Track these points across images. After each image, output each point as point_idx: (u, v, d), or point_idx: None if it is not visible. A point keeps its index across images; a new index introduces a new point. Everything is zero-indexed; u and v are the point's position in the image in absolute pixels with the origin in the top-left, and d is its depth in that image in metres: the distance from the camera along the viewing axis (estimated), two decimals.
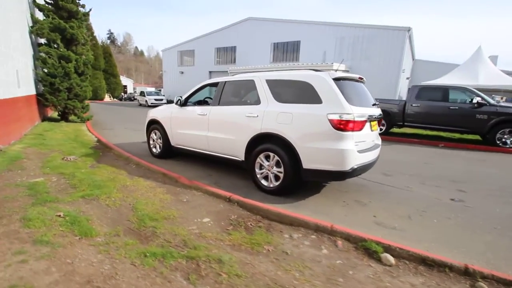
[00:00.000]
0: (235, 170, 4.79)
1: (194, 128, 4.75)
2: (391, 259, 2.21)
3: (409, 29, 15.77)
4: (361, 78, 3.92)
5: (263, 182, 3.83)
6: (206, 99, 5.56)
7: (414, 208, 3.46)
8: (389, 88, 15.85)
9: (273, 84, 3.83)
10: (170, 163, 5.23)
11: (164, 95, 26.11)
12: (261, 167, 3.86)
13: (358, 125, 3.27)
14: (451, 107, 8.20)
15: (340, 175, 3.29)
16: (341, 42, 17.95)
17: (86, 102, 10.27)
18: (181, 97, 4.99)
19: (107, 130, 9.15)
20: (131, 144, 6.89)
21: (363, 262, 2.22)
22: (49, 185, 3.58)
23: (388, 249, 2.29)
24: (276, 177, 3.70)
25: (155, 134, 5.63)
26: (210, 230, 2.62)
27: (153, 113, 5.74)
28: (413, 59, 21.27)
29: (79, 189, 3.43)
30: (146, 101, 24.30)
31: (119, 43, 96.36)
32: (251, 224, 2.78)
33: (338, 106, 3.21)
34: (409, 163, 5.98)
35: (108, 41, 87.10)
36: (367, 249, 2.34)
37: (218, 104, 4.43)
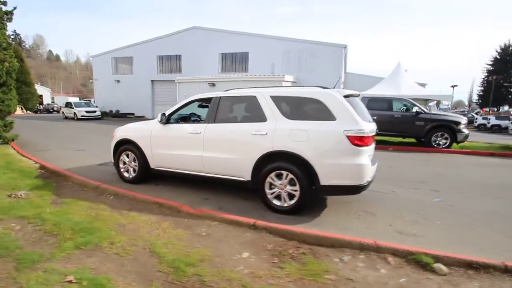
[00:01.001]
0: (232, 192, 4.47)
1: (183, 148, 4.28)
2: (444, 268, 2.34)
3: (345, 46, 17.78)
4: (358, 95, 4.17)
5: (275, 202, 3.67)
6: (191, 116, 5.12)
7: (414, 212, 3.79)
8: None
9: (279, 101, 3.74)
10: (150, 188, 4.58)
11: (97, 107, 23.16)
12: (271, 186, 3.69)
13: (369, 140, 3.44)
14: (395, 115, 9.47)
15: (357, 189, 3.38)
16: (287, 55, 19.03)
17: (8, 118, 8.31)
18: (164, 114, 4.45)
19: (43, 152, 7.56)
20: (86, 169, 5.82)
21: (422, 276, 2.29)
22: (15, 236, 2.69)
23: (437, 259, 2.42)
24: (290, 196, 3.59)
25: (127, 156, 4.87)
26: (259, 267, 2.34)
27: (123, 132, 4.98)
28: (345, 72, 23.96)
29: (63, 238, 2.67)
30: (75, 113, 21.11)
31: (27, 46, 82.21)
32: (293, 253, 2.60)
33: (353, 123, 3.32)
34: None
35: (13, 43, 73.43)
36: (418, 262, 2.43)
37: (214, 122, 4.10)
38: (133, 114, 24.43)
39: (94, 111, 21.79)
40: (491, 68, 47.98)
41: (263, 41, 19.77)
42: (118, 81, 24.99)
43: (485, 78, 50.31)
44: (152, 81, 24.02)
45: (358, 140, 3.27)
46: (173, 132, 4.42)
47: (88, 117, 21.01)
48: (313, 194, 3.52)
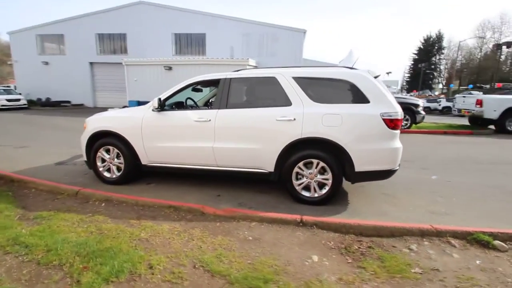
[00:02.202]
0: (244, 185, 4.04)
1: (188, 139, 3.64)
2: (504, 245, 2.40)
3: (305, 31, 17.93)
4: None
5: (304, 193, 3.39)
6: (188, 101, 4.39)
7: (426, 191, 3.93)
8: None
9: (303, 82, 3.38)
10: (144, 189, 3.86)
11: (20, 94, 19.24)
12: (297, 176, 3.39)
13: (401, 123, 3.37)
14: None
15: (390, 173, 3.31)
16: (247, 38, 18.35)
17: None
18: (159, 99, 3.68)
19: None
20: (43, 170, 4.66)
21: (491, 255, 2.31)
22: None
23: (493, 236, 2.48)
24: (320, 186, 3.35)
25: (108, 152, 3.98)
26: (342, 271, 2.05)
27: (100, 123, 4.03)
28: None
29: (74, 269, 1.93)
30: None
31: None
32: (360, 248, 2.38)
33: (388, 106, 3.18)
34: None
35: None
36: (479, 241, 2.45)
37: (226, 107, 3.55)
38: (69, 102, 21.03)
39: (18, 99, 18.03)
40: (416, 57, 54.79)
41: (221, 22, 18.67)
42: (47, 63, 21.03)
43: (411, 66, 57.30)
44: (91, 63, 20.85)
45: (394, 123, 3.16)
46: (172, 120, 3.72)
47: (10, 106, 17.29)
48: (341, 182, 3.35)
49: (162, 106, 3.71)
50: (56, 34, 20.89)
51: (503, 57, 41.85)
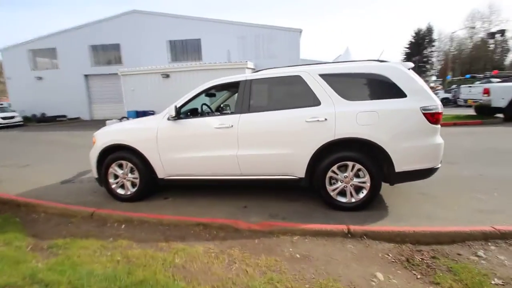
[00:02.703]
0: (271, 192, 3.78)
1: (209, 148, 3.37)
2: None
3: (301, 31, 17.80)
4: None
5: (340, 199, 3.13)
6: (204, 107, 4.13)
7: (462, 187, 3.70)
8: None
9: (331, 79, 3.14)
10: (161, 205, 3.59)
11: (15, 111, 18.81)
12: (331, 181, 3.14)
13: (441, 117, 3.12)
14: None
15: (432, 172, 3.06)
16: (243, 41, 18.16)
17: None
18: (176, 106, 3.41)
19: None
20: (50, 190, 4.35)
21: None
22: None
23: None
24: (356, 190, 3.10)
25: (121, 167, 3.70)
26: None
27: (110, 136, 3.75)
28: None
29: None
30: None
31: None
32: (423, 259, 2.12)
33: (428, 98, 2.94)
34: None
35: None
36: None
37: (249, 111, 3.29)
38: (64, 116, 20.61)
39: (13, 117, 17.62)
40: (409, 51, 55.13)
41: (215, 26, 18.46)
42: (40, 78, 20.62)
43: (404, 60, 57.52)
44: (86, 75, 20.49)
45: (435, 118, 2.92)
46: (190, 129, 3.45)
47: (5, 124, 16.87)
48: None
49: (177, 114, 3.43)
50: (48, 48, 20.51)
51: (492, 46, 42.30)
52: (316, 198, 3.48)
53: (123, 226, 2.93)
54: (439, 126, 2.98)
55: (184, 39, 19.05)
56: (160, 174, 3.61)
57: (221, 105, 4.90)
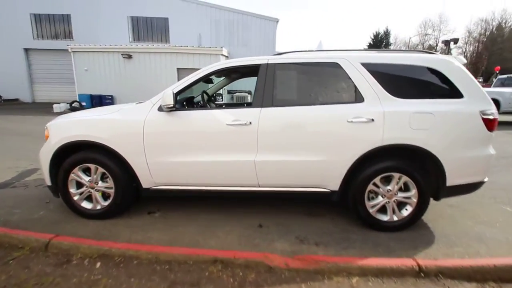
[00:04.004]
0: (285, 205, 3.11)
1: (217, 150, 2.56)
2: None
3: (277, 20, 17.08)
4: None
5: (380, 216, 2.60)
6: (205, 96, 3.23)
7: (484, 197, 3.45)
8: None
9: (376, 71, 2.53)
10: (146, 222, 2.71)
11: None
12: (369, 195, 2.58)
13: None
14: None
15: (478, 187, 2.66)
16: (217, 25, 16.81)
17: None
18: (172, 91, 2.48)
19: None
20: None
21: None
22: None
23: None
24: (399, 205, 2.59)
25: (88, 173, 2.70)
26: None
27: (75, 130, 2.70)
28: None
29: None
30: None
31: None
32: None
33: (486, 101, 2.51)
34: None
35: None
36: None
37: (272, 104, 2.54)
38: None
39: None
40: None
41: (186, 5, 16.79)
42: None
43: None
44: (26, 49, 17.26)
45: (492, 124, 2.50)
46: (192, 124, 2.58)
47: None
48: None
49: (174, 104, 2.52)
50: None
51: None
52: (343, 213, 2.92)
53: (98, 265, 2.00)
54: (493, 134, 2.58)
55: (149, 16, 17.03)
56: (145, 183, 2.70)
57: (213, 95, 4.03)
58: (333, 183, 2.56)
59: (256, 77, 2.64)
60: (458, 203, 3.27)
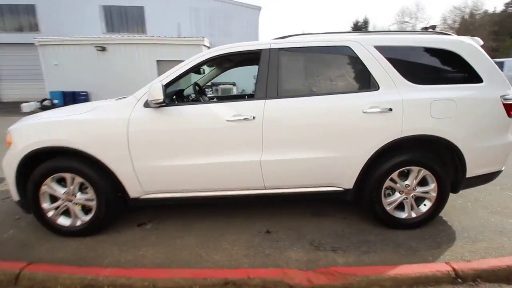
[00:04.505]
0: (288, 205, 2.85)
1: (216, 150, 2.23)
2: None
3: (260, 8, 16.55)
4: None
5: (398, 214, 2.39)
6: (197, 88, 2.85)
7: (492, 185, 3.37)
8: None
9: (391, 54, 2.28)
10: (136, 236, 2.37)
11: None
12: (385, 191, 2.37)
13: None
14: None
15: (495, 176, 2.52)
16: (196, 14, 16.01)
17: None
18: (161, 83, 2.10)
19: None
20: None
21: None
22: None
23: None
24: (417, 201, 2.40)
25: (63, 184, 2.29)
26: None
27: (45, 133, 2.26)
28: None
29: None
30: None
31: None
32: None
33: (505, 85, 2.32)
34: None
35: None
36: None
37: (278, 95, 2.23)
38: None
39: None
40: None
41: None
42: None
43: None
44: None
45: None
46: (185, 122, 2.22)
47: None
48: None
49: (163, 99, 2.14)
50: None
51: None
52: (353, 210, 2.71)
53: None
54: None
55: (123, 5, 15.94)
56: (133, 192, 2.33)
57: (204, 87, 3.65)
58: (347, 181, 2.32)
59: (252, 67, 2.33)
60: (466, 192, 3.13)
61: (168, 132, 2.20)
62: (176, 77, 2.27)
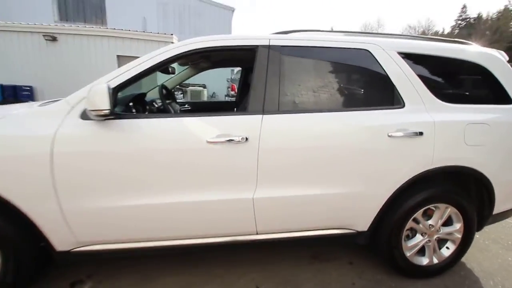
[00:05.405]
0: (285, 249, 2.26)
1: (192, 183, 1.56)
2: None
3: (233, 10, 15.91)
4: None
5: (418, 260, 1.94)
6: (163, 94, 2.13)
7: None
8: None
9: (418, 63, 1.83)
10: None
11: None
12: (407, 233, 1.90)
13: None
14: None
15: None
16: (164, 9, 14.85)
17: None
18: (108, 85, 1.38)
19: None
20: None
21: None
22: None
23: None
24: (440, 244, 1.98)
25: None
26: None
27: None
28: None
29: None
30: None
31: None
32: None
33: None
34: None
35: None
36: None
37: (279, 109, 1.63)
38: None
39: None
40: None
41: None
42: None
43: None
44: None
45: None
46: (144, 142, 1.51)
47: None
48: None
49: (113, 108, 1.42)
50: None
51: None
52: (360, 251, 2.21)
53: None
54: None
55: None
56: (61, 243, 1.55)
57: (172, 90, 2.94)
58: (363, 222, 1.80)
59: (240, 68, 1.73)
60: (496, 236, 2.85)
61: (118, 156, 1.48)
62: (133, 76, 1.55)
